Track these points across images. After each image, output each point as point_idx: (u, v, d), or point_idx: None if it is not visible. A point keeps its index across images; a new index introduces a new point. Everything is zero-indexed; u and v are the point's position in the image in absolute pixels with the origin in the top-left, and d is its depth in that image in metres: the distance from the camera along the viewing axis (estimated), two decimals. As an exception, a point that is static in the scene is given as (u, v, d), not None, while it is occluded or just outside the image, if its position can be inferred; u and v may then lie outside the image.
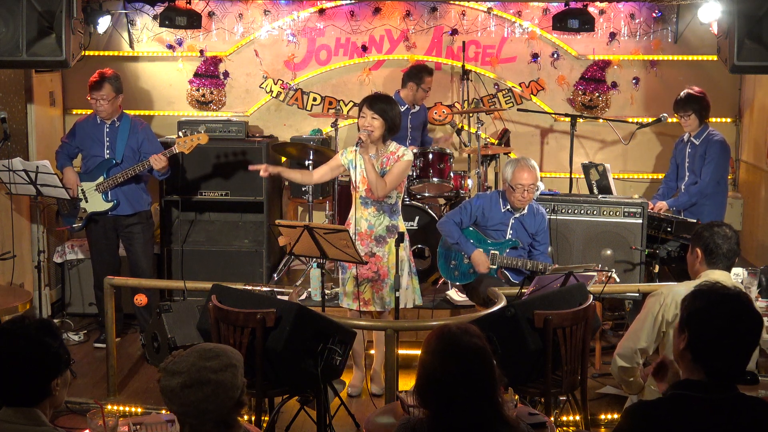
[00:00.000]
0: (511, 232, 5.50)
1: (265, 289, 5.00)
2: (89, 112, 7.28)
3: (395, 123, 5.02)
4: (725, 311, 2.50)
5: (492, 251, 5.47)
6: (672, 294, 3.77)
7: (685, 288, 3.52)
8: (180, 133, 5.96)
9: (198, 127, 6.29)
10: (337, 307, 5.29)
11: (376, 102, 4.99)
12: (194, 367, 2.49)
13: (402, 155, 4.99)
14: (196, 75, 7.45)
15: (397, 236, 4.88)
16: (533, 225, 5.48)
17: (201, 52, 7.38)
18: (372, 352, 5.42)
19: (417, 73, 6.86)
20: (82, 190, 5.99)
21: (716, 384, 2.49)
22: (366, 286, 5.03)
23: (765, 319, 3.87)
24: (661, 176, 6.76)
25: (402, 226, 5.16)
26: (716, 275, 3.74)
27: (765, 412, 2.48)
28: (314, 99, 7.51)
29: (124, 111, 6.12)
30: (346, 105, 7.48)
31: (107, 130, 6.01)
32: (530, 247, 5.54)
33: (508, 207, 5.47)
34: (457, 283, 5.97)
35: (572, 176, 6.78)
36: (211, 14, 7.33)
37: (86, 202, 6.00)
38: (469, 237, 5.54)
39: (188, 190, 6.83)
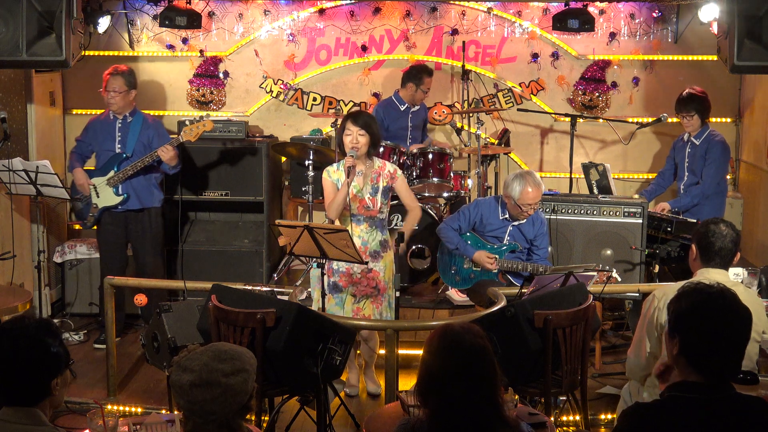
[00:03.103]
0: (508, 238, 5.51)
1: (265, 289, 5.00)
2: (89, 112, 7.34)
3: (378, 138, 5.03)
4: (711, 311, 2.50)
5: (492, 255, 5.48)
6: (665, 297, 3.75)
7: (676, 289, 3.51)
8: (187, 122, 6.04)
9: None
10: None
11: (360, 117, 4.97)
12: (206, 367, 2.49)
13: (394, 172, 5.03)
14: (196, 75, 7.45)
15: (397, 236, 4.89)
16: (531, 232, 5.48)
17: (201, 52, 7.38)
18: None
19: (416, 74, 6.86)
20: (93, 186, 6.05)
21: (713, 384, 2.49)
22: (365, 302, 5.01)
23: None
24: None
25: (390, 240, 5.17)
26: (712, 273, 3.72)
27: (762, 411, 2.48)
28: (314, 99, 7.51)
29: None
30: (346, 105, 7.48)
31: (119, 125, 6.08)
32: (529, 251, 5.55)
33: (507, 216, 5.47)
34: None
35: (572, 176, 6.78)
36: (211, 14, 7.33)
37: (98, 197, 6.06)
38: (468, 241, 5.55)
39: (188, 190, 6.83)
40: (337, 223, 5.08)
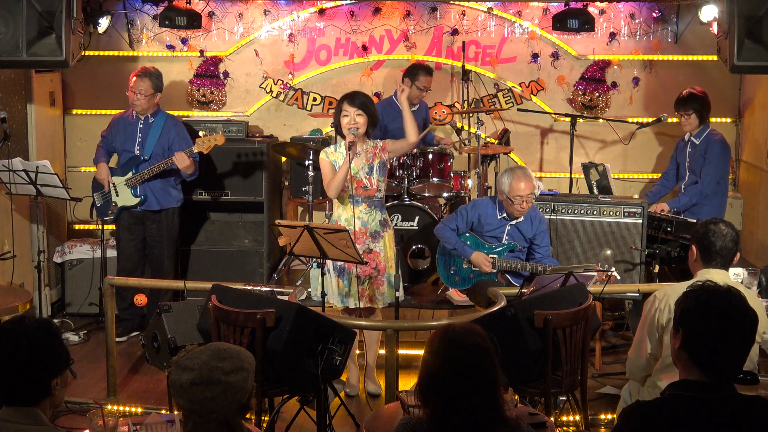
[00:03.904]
0: (506, 238, 5.51)
1: (265, 289, 5.00)
2: (89, 112, 7.34)
3: (376, 117, 5.04)
4: (716, 309, 2.49)
5: (491, 255, 5.48)
6: (665, 298, 3.76)
7: (677, 290, 3.51)
8: (201, 133, 6.11)
9: (200, 126, 6.41)
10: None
11: (357, 97, 4.98)
12: (206, 365, 2.49)
13: (382, 143, 5.08)
14: (196, 75, 7.46)
15: (391, 230, 4.91)
16: (530, 230, 5.48)
17: (201, 52, 7.38)
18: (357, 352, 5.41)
19: (413, 71, 6.85)
20: (113, 184, 6.14)
21: (713, 384, 2.49)
22: (368, 283, 5.05)
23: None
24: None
25: (388, 218, 5.24)
26: (712, 274, 3.71)
27: (763, 411, 2.48)
28: (314, 99, 7.51)
29: (166, 111, 6.30)
30: (346, 105, 7.47)
31: (141, 126, 6.15)
32: (531, 250, 5.54)
33: (504, 215, 5.47)
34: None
35: (572, 176, 6.78)
36: (211, 14, 7.33)
37: (117, 196, 6.15)
38: (467, 242, 5.55)
39: (188, 190, 6.83)
40: (336, 202, 5.09)
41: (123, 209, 6.16)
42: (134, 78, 6.05)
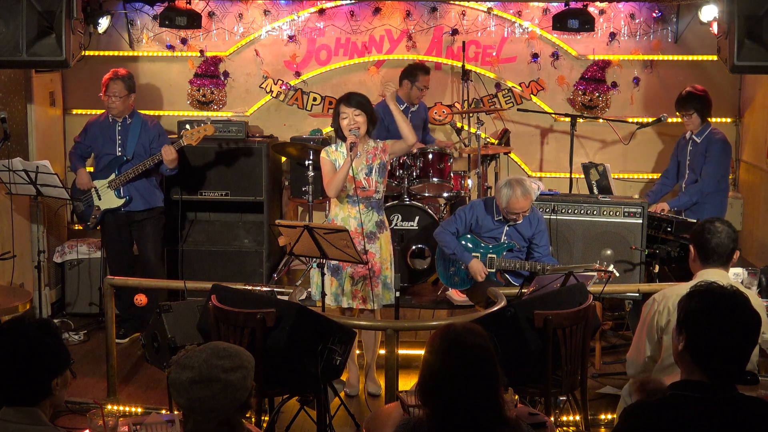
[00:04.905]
0: (505, 238, 5.52)
1: (265, 289, 5.00)
2: (89, 112, 7.34)
3: (375, 115, 5.02)
4: (721, 311, 2.49)
5: (489, 255, 5.48)
6: (664, 300, 3.75)
7: (677, 292, 3.50)
8: (187, 126, 6.08)
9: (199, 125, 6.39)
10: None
11: (353, 98, 4.96)
12: (206, 364, 2.50)
13: (383, 145, 5.05)
14: (196, 75, 7.46)
15: (388, 232, 4.89)
16: (528, 230, 5.49)
17: (201, 52, 7.38)
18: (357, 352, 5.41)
19: (411, 71, 6.85)
20: (95, 188, 6.10)
21: (715, 384, 2.49)
22: (362, 284, 5.04)
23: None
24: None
25: (386, 220, 5.21)
26: (711, 274, 3.68)
27: (764, 413, 2.48)
28: (314, 99, 7.51)
29: (137, 110, 6.24)
30: (346, 105, 7.47)
31: (119, 128, 6.12)
32: (530, 250, 5.55)
33: (500, 218, 5.48)
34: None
35: (572, 176, 6.77)
36: (211, 14, 7.33)
37: (99, 199, 6.11)
38: (467, 241, 5.55)
39: (188, 190, 6.84)
40: (334, 202, 5.09)
41: (107, 212, 6.13)
42: (107, 82, 6.04)
